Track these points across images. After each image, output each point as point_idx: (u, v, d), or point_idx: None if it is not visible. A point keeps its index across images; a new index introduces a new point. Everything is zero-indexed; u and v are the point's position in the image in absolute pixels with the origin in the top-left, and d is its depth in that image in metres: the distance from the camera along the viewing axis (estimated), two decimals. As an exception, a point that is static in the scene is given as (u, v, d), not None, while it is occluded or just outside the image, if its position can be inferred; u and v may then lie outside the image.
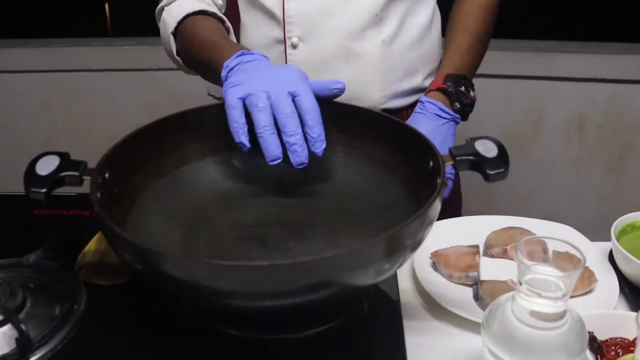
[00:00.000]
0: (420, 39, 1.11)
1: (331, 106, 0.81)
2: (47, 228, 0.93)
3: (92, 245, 0.85)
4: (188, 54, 1.02)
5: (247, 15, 1.12)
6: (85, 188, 0.73)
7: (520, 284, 0.58)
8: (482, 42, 1.10)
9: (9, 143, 2.25)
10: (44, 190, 0.70)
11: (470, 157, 0.70)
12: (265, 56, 0.85)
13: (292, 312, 0.66)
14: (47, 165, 0.72)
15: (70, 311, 0.75)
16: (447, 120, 1.01)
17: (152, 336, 0.73)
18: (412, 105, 1.12)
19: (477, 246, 0.88)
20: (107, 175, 0.72)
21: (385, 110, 1.10)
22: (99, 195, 0.68)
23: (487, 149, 0.70)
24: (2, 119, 2.24)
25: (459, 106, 1.02)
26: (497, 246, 0.89)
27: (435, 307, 0.79)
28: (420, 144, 0.74)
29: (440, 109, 1.01)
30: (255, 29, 1.11)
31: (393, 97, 1.11)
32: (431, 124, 1.00)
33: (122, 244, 0.62)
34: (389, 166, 0.80)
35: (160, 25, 1.07)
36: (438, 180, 0.67)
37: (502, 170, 0.68)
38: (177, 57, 1.04)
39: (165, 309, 0.75)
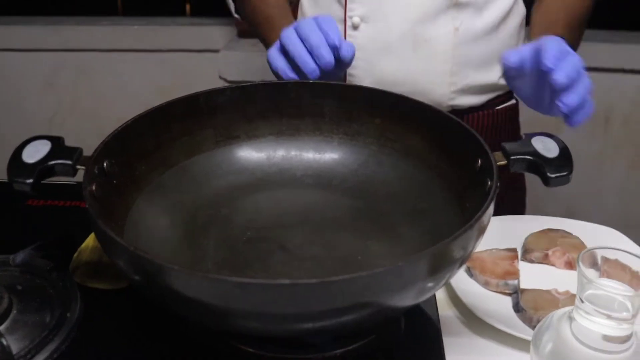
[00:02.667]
0: (498, 26, 1.00)
1: (363, 92, 0.73)
2: (41, 221, 0.85)
3: (89, 242, 0.77)
4: (246, 18, 1.06)
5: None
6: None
7: (582, 300, 0.53)
8: (580, 22, 1.00)
9: (13, 123, 2.21)
10: (30, 180, 0.61)
11: (528, 157, 0.61)
12: None
13: (314, 334, 0.57)
14: (35, 152, 0.63)
15: (62, 319, 0.66)
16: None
17: (155, 350, 0.65)
18: (485, 106, 1.04)
19: (514, 250, 0.83)
20: (105, 164, 0.64)
21: (454, 109, 1.01)
22: (93, 187, 0.60)
23: (547, 148, 0.61)
24: (6, 98, 2.20)
25: None
26: (537, 250, 0.83)
27: (472, 319, 0.73)
28: (467, 139, 0.65)
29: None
30: (313, 6, 1.03)
31: (463, 93, 1.01)
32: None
33: (116, 250, 0.53)
34: (428, 163, 0.71)
35: None
36: (489, 182, 0.58)
37: (565, 173, 0.59)
38: (236, 15, 1.04)
39: (171, 319, 0.67)
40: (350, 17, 0.98)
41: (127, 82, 2.14)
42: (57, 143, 0.64)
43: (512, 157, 0.62)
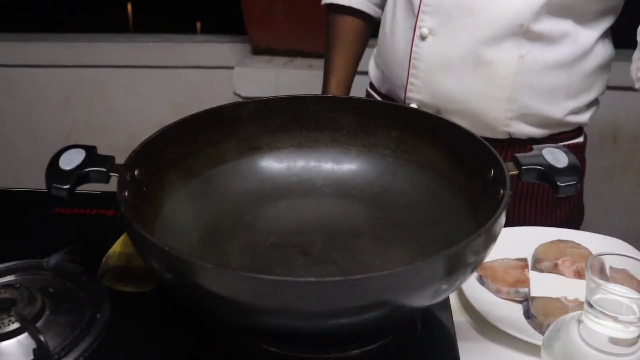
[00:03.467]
0: (572, 63, 0.97)
1: (379, 106, 0.75)
2: (69, 228, 0.88)
3: (116, 247, 0.80)
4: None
5: None
6: (110, 186, 0.68)
7: (590, 305, 0.54)
8: None
9: (29, 138, 2.23)
10: (67, 186, 0.64)
11: (539, 167, 0.63)
12: None
13: (336, 331, 0.60)
14: (71, 160, 0.66)
15: (92, 320, 0.69)
16: None
17: (181, 350, 0.67)
18: (547, 139, 1.02)
19: (525, 259, 0.85)
20: (136, 172, 0.67)
21: (511, 137, 1.00)
22: (126, 194, 0.63)
23: (557, 159, 0.63)
24: (22, 114, 2.22)
25: None
26: (546, 260, 0.85)
27: (483, 325, 0.75)
28: (480, 150, 0.67)
29: None
30: (400, 10, 1.04)
31: (521, 121, 0.99)
32: None
33: (151, 250, 0.56)
34: (443, 173, 0.74)
35: None
36: (502, 192, 0.61)
37: (574, 182, 0.62)
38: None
39: (196, 320, 0.69)
40: (420, 27, 0.98)
41: (142, 98, 2.16)
42: (91, 151, 0.67)
43: (523, 167, 0.64)
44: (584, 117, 1.04)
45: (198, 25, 2.77)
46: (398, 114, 0.76)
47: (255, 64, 1.98)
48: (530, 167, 0.64)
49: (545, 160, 0.64)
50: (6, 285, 0.71)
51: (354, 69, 1.16)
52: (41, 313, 0.69)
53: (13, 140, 2.23)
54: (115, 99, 2.18)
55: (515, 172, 0.64)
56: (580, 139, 1.08)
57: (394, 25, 1.04)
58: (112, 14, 2.76)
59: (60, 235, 0.85)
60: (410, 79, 1.00)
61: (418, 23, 0.98)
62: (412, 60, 0.99)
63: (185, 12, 2.84)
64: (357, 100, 0.80)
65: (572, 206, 1.13)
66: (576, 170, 0.63)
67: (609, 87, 1.94)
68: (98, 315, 0.70)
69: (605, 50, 1.02)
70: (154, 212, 0.69)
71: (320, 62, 1.12)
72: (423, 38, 0.98)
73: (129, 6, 2.83)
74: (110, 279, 0.75)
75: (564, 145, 1.02)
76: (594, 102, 1.05)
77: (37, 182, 2.38)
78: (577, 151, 1.07)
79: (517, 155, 0.66)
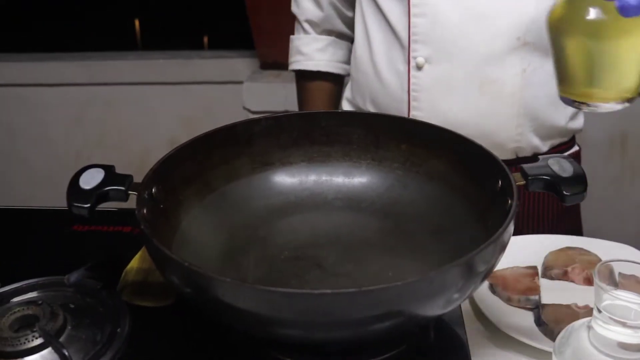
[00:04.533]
0: None
1: (388, 120, 0.77)
2: (88, 245, 0.90)
3: (134, 263, 0.82)
4: None
5: (373, 30, 1.03)
6: (125, 203, 0.70)
7: (599, 310, 0.55)
8: None
9: (43, 155, 2.26)
10: (87, 205, 0.66)
11: (545, 177, 0.65)
12: None
13: (351, 341, 0.61)
14: (91, 179, 0.69)
15: (113, 335, 0.71)
16: None
17: (198, 362, 0.69)
18: (545, 154, 0.98)
19: (535, 267, 0.85)
20: (153, 190, 0.69)
21: (517, 156, 1.00)
22: (145, 211, 0.65)
23: (563, 168, 0.65)
24: (36, 132, 2.25)
25: None
26: (556, 267, 0.85)
27: (495, 332, 0.75)
28: (488, 161, 0.69)
29: None
30: (379, 45, 1.02)
31: (529, 135, 0.99)
32: None
33: (171, 266, 0.58)
34: (451, 184, 0.75)
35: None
36: (510, 202, 0.62)
37: (580, 191, 0.63)
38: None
39: (215, 333, 0.71)
40: (415, 58, 0.96)
41: (153, 114, 2.18)
42: (109, 171, 0.69)
43: (530, 177, 0.66)
44: (579, 123, 1.05)
45: (205, 39, 2.80)
46: (407, 127, 0.78)
47: (264, 79, 2.00)
48: (536, 177, 0.65)
49: (552, 170, 0.65)
50: (29, 302, 0.73)
51: None
52: (63, 328, 0.71)
53: (27, 157, 2.26)
54: (126, 115, 2.20)
55: (522, 183, 0.66)
56: (577, 147, 1.09)
57: (377, 61, 1.02)
58: (120, 31, 2.79)
59: (79, 252, 0.87)
60: (413, 112, 0.99)
61: (411, 54, 0.96)
62: (411, 92, 0.98)
63: (193, 26, 2.87)
64: (367, 114, 0.82)
65: (572, 222, 1.14)
66: (582, 179, 0.65)
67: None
68: (118, 329, 0.72)
69: None
70: (172, 228, 0.71)
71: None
72: (419, 68, 0.96)
73: (137, 22, 2.87)
74: (129, 294, 0.77)
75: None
76: None
77: (50, 197, 2.40)
78: (576, 160, 1.05)
79: (524, 165, 0.67)
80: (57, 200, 2.28)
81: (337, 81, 1.16)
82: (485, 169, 0.70)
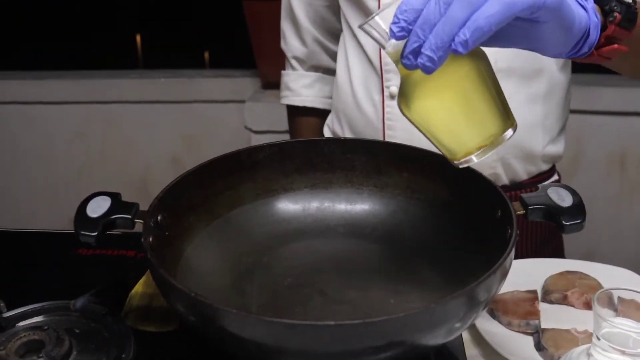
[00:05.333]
0: (544, 96, 0.99)
1: (391, 147, 0.78)
2: (92, 269, 0.90)
3: (139, 288, 0.83)
4: None
5: (353, 61, 1.05)
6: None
7: (598, 338, 0.56)
8: None
9: (45, 172, 2.27)
10: (94, 233, 0.68)
11: (544, 207, 0.66)
12: None
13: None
14: (97, 207, 0.70)
15: (118, 360, 0.72)
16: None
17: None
18: (528, 185, 1.03)
19: (535, 291, 0.85)
20: (159, 218, 0.70)
21: (499, 184, 0.97)
22: (151, 239, 0.66)
23: (562, 198, 0.66)
24: (38, 149, 2.27)
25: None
26: (556, 292, 0.86)
27: (495, 357, 0.75)
28: (488, 190, 0.70)
29: None
30: (358, 76, 1.04)
31: (507, 163, 1.00)
32: None
33: (176, 295, 0.59)
34: (452, 212, 0.76)
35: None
36: (510, 231, 0.64)
37: (579, 221, 0.64)
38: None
39: (218, 359, 0.71)
40: (388, 87, 0.98)
41: (154, 133, 2.20)
42: (116, 199, 0.70)
43: (529, 207, 0.67)
44: (558, 149, 1.05)
45: (206, 55, 2.82)
46: (408, 155, 0.79)
47: (266, 98, 2.02)
48: (536, 206, 0.67)
49: (551, 199, 0.67)
50: (35, 327, 0.74)
51: None
52: (69, 354, 0.71)
53: (29, 174, 2.27)
54: (127, 133, 2.22)
55: (522, 212, 0.67)
56: (555, 177, 1.10)
57: (356, 91, 1.04)
58: (122, 47, 2.81)
59: (84, 276, 0.88)
60: (388, 140, 1.00)
61: (385, 83, 0.99)
62: (386, 121, 0.99)
63: (194, 44, 2.89)
64: (369, 141, 0.83)
65: (555, 245, 1.15)
66: (581, 209, 0.66)
67: (614, 113, 1.97)
68: (123, 355, 0.72)
69: (567, 75, 1.02)
70: (177, 254, 0.72)
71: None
72: (393, 97, 0.97)
73: (138, 38, 2.89)
74: (133, 319, 0.78)
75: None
76: (563, 129, 1.06)
77: (52, 214, 2.41)
78: None
79: (523, 195, 0.68)
80: (59, 216, 2.29)
81: (324, 116, 1.18)
82: (486, 198, 0.71)
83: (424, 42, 0.52)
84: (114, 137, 2.23)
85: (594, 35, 0.61)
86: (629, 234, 2.10)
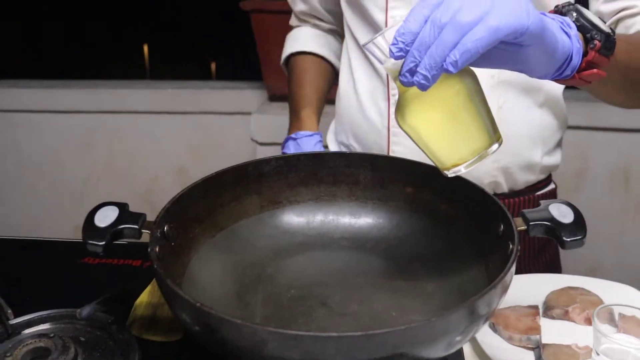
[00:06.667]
0: (542, 106, 1.01)
1: (395, 162, 0.79)
2: (98, 278, 0.92)
3: (144, 297, 0.84)
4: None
5: (357, 68, 1.08)
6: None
7: (597, 353, 0.58)
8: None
9: (51, 180, 2.29)
10: (102, 243, 0.68)
11: (546, 223, 0.67)
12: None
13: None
14: (105, 218, 0.70)
15: (123, 368, 0.73)
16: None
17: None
18: (525, 192, 1.05)
19: (536, 307, 0.86)
20: (165, 228, 0.71)
21: (496, 191, 1.03)
22: (157, 249, 0.67)
23: (563, 214, 0.67)
24: (45, 157, 2.28)
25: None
26: (557, 307, 0.86)
27: None
28: (491, 206, 0.71)
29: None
30: (362, 82, 1.06)
31: (507, 172, 1.02)
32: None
33: (182, 305, 0.60)
34: (455, 227, 0.77)
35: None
36: (511, 246, 0.64)
37: (580, 237, 0.65)
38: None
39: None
40: (394, 95, 1.00)
41: (161, 143, 2.21)
42: (123, 209, 0.71)
43: (531, 223, 0.68)
44: (555, 160, 1.07)
45: (213, 67, 2.84)
46: (412, 170, 0.80)
47: (273, 110, 2.03)
48: (537, 222, 0.67)
49: (552, 215, 0.67)
50: (41, 335, 0.75)
51: (322, 103, 1.19)
52: (74, 362, 0.73)
53: (36, 183, 2.29)
54: (134, 143, 2.24)
55: (523, 228, 0.68)
56: (552, 186, 1.12)
57: (361, 98, 1.06)
58: (129, 57, 2.83)
59: (90, 285, 0.89)
60: (392, 147, 1.02)
61: (390, 91, 1.00)
62: (390, 128, 1.01)
63: (201, 54, 2.91)
64: (373, 156, 0.84)
65: (550, 257, 1.16)
66: (582, 225, 0.67)
67: (618, 130, 1.97)
68: (128, 363, 0.73)
69: (560, 86, 1.05)
70: (182, 264, 0.73)
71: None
72: None
73: (146, 48, 2.92)
74: (138, 329, 0.79)
75: (541, 194, 1.06)
76: (561, 141, 1.08)
77: (58, 222, 2.41)
78: (551, 197, 1.11)
79: (525, 211, 0.69)
80: (64, 224, 2.29)
81: (328, 65, 1.19)
82: (488, 213, 0.72)
83: (420, 62, 0.57)
84: (121, 147, 2.25)
85: (577, 60, 0.67)
86: (632, 249, 2.10)
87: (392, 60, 0.60)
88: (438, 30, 0.57)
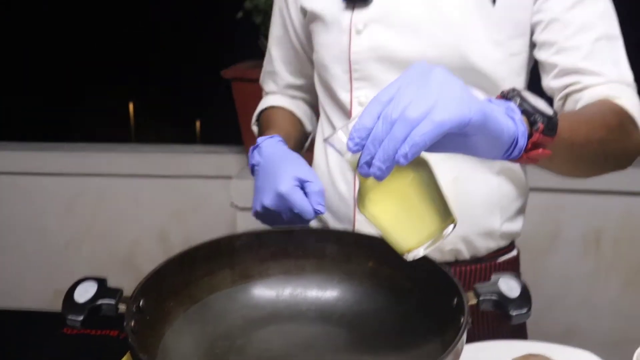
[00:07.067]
0: (499, 173, 1.05)
1: (359, 238, 0.84)
2: (76, 348, 0.95)
3: (120, 367, 0.87)
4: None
5: (332, 118, 1.12)
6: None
7: None
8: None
9: (34, 242, 2.29)
10: (80, 318, 0.72)
11: (494, 297, 0.72)
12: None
13: None
14: (85, 292, 0.75)
15: None
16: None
17: None
18: (486, 259, 1.08)
19: None
20: (141, 302, 0.75)
21: (457, 259, 1.06)
22: (132, 324, 0.71)
23: (510, 288, 0.72)
24: (29, 219, 2.29)
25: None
26: None
27: None
28: (446, 281, 0.76)
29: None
30: (333, 155, 1.10)
31: (467, 240, 1.05)
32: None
33: None
34: (414, 300, 0.81)
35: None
36: (462, 319, 0.69)
37: (524, 311, 0.70)
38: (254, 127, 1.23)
39: None
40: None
41: (143, 206, 2.23)
42: (102, 284, 0.75)
43: (481, 298, 0.73)
44: (516, 227, 1.10)
45: (197, 125, 2.89)
46: (374, 245, 0.84)
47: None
48: (487, 297, 0.72)
49: (500, 290, 0.72)
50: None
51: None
52: None
53: (19, 244, 2.29)
54: (117, 206, 2.25)
55: (474, 302, 0.73)
56: (514, 253, 1.14)
57: (331, 169, 1.11)
58: (114, 117, 2.88)
59: (68, 356, 0.92)
60: (358, 216, 1.06)
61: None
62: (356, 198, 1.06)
63: (185, 115, 2.96)
64: (339, 232, 0.89)
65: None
66: (527, 300, 0.71)
67: (589, 192, 2.01)
68: None
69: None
70: (157, 337, 0.76)
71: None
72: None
73: (131, 106, 2.97)
74: (114, 398, 0.82)
75: (504, 261, 1.08)
76: (523, 208, 1.11)
77: (38, 285, 2.38)
78: (513, 265, 1.13)
79: (477, 285, 0.74)
80: (45, 288, 2.26)
81: (299, 122, 1.22)
82: (443, 287, 0.76)
83: (375, 155, 0.63)
84: (104, 210, 2.26)
85: (522, 142, 0.72)
86: (604, 310, 2.12)
87: (350, 153, 0.65)
88: (389, 125, 0.63)
